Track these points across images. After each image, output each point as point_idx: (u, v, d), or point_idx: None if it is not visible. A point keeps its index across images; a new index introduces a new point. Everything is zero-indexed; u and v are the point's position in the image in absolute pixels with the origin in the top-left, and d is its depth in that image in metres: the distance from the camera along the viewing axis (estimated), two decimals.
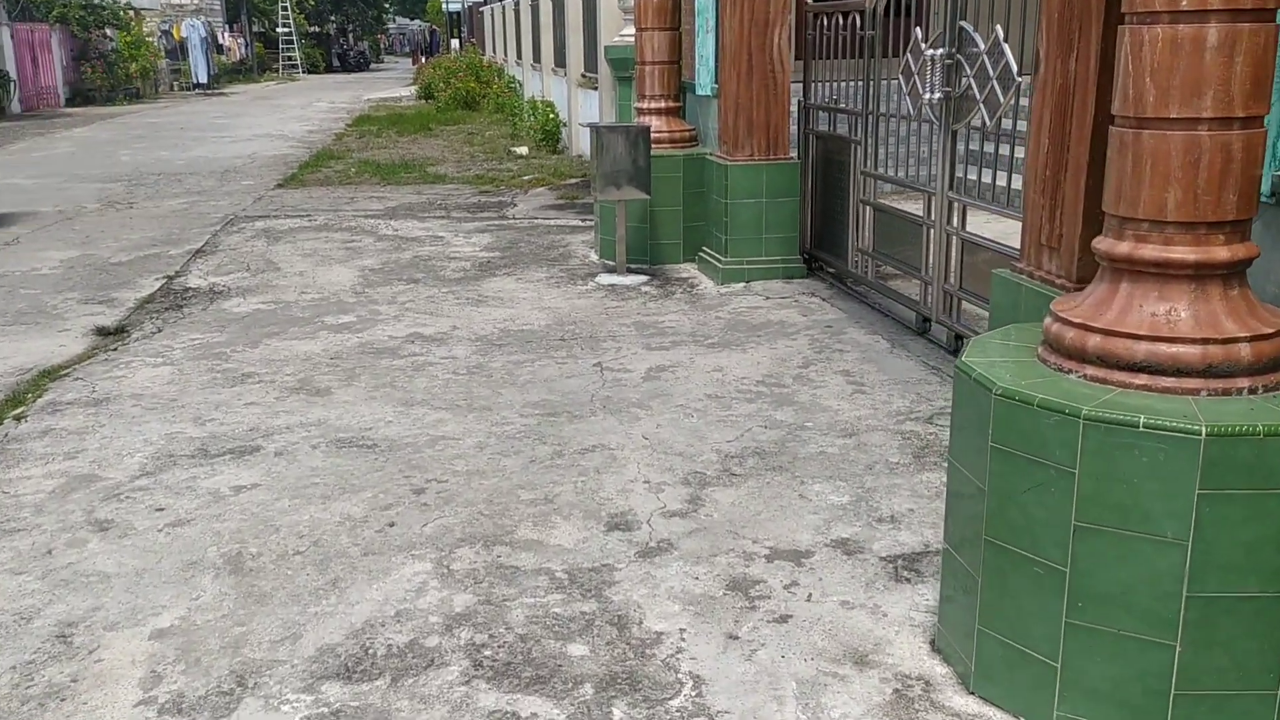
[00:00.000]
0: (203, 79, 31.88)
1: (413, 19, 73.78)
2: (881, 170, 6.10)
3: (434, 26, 57.16)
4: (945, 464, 4.00)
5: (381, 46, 71.05)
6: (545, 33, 15.78)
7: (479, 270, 7.52)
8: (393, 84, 36.22)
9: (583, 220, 9.35)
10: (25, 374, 5.34)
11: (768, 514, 3.72)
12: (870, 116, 6.16)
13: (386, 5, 72.48)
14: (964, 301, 5.27)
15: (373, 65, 57.66)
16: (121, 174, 13.03)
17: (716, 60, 7.24)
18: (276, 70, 43.83)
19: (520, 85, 19.73)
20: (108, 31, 28.08)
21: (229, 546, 3.50)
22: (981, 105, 4.91)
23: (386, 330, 6.01)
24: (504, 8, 22.62)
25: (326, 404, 4.82)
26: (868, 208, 6.26)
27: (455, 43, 38.02)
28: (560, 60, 14.68)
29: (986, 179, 5.07)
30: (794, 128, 7.04)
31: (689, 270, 7.38)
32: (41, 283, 7.30)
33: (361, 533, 3.59)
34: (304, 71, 44.85)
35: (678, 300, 6.60)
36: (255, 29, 46.05)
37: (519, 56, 19.99)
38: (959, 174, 5.31)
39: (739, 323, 6.03)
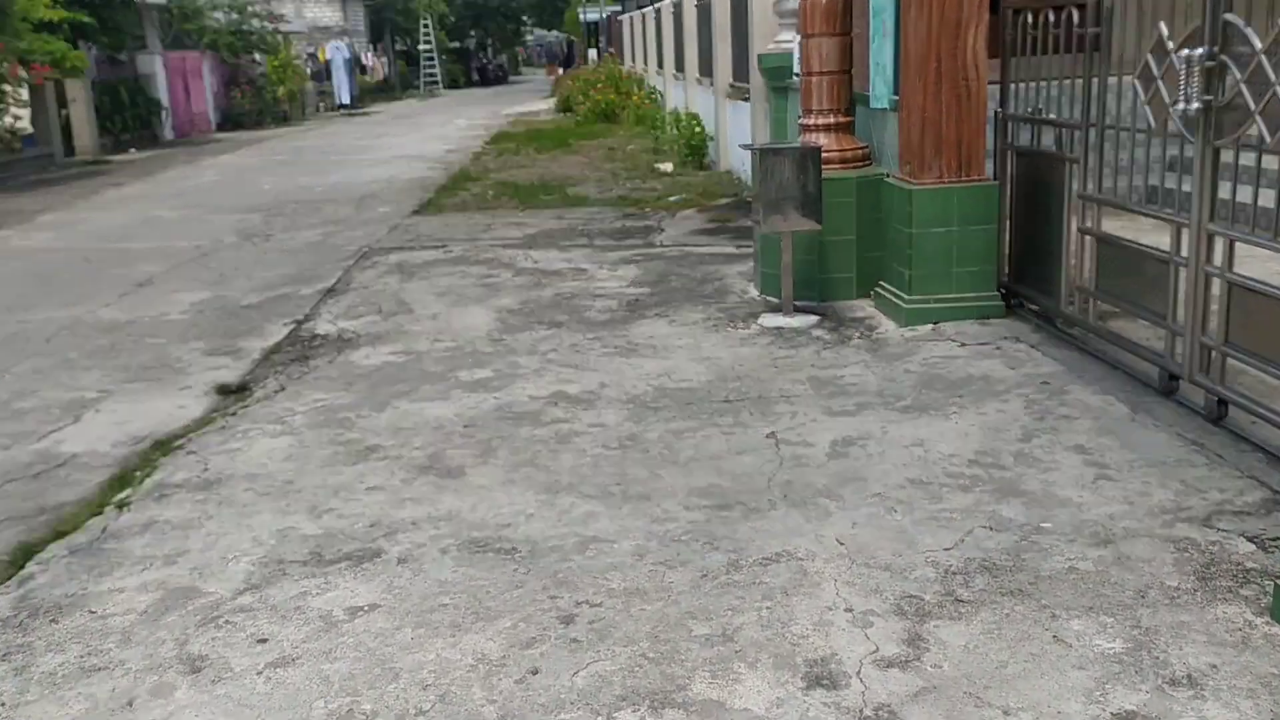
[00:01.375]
0: (346, 100, 32.38)
1: (550, 30, 74.40)
2: (1108, 194, 5.09)
3: (571, 37, 57.30)
4: (1242, 592, 3.04)
5: (520, 59, 71.81)
6: (689, 40, 15.05)
7: (627, 310, 6.79)
8: (531, 97, 36.17)
9: (737, 248, 8.54)
10: (139, 444, 4.85)
11: (1015, 666, 2.84)
12: (1092, 129, 5.16)
13: (524, 18, 73.30)
14: (1229, 359, 4.25)
15: (511, 78, 58.19)
16: (261, 203, 12.87)
17: (896, 68, 6.34)
18: (418, 88, 44.49)
19: (662, 96, 19.07)
20: (256, 57, 28.72)
21: (338, 701, 2.83)
22: (1259, 119, 3.90)
23: (527, 388, 5.33)
24: (643, 15, 22.03)
25: (459, 489, 4.14)
26: (1089, 238, 5.25)
27: (593, 53, 37.77)
28: (706, 69, 13.92)
29: (1262, 205, 4.05)
30: (988, 142, 6.07)
31: (865, 308, 6.49)
32: (169, 330, 6.92)
33: (499, 683, 2.87)
34: (444, 87, 45.42)
35: (856, 348, 5.72)
36: (398, 47, 46.90)
37: (660, 66, 19.33)
38: (1224, 199, 4.30)
39: (934, 378, 5.12)
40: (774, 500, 3.89)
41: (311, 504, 4.06)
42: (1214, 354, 4.31)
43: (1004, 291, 6.14)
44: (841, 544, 3.53)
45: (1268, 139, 3.86)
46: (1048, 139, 5.71)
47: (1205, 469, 3.91)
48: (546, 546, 3.62)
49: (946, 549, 3.45)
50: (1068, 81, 5.38)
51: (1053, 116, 5.57)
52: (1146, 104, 4.64)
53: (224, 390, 5.60)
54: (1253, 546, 3.31)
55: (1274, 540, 3.33)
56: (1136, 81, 4.70)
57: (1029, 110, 5.84)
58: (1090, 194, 5.22)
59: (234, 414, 5.19)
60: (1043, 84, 5.68)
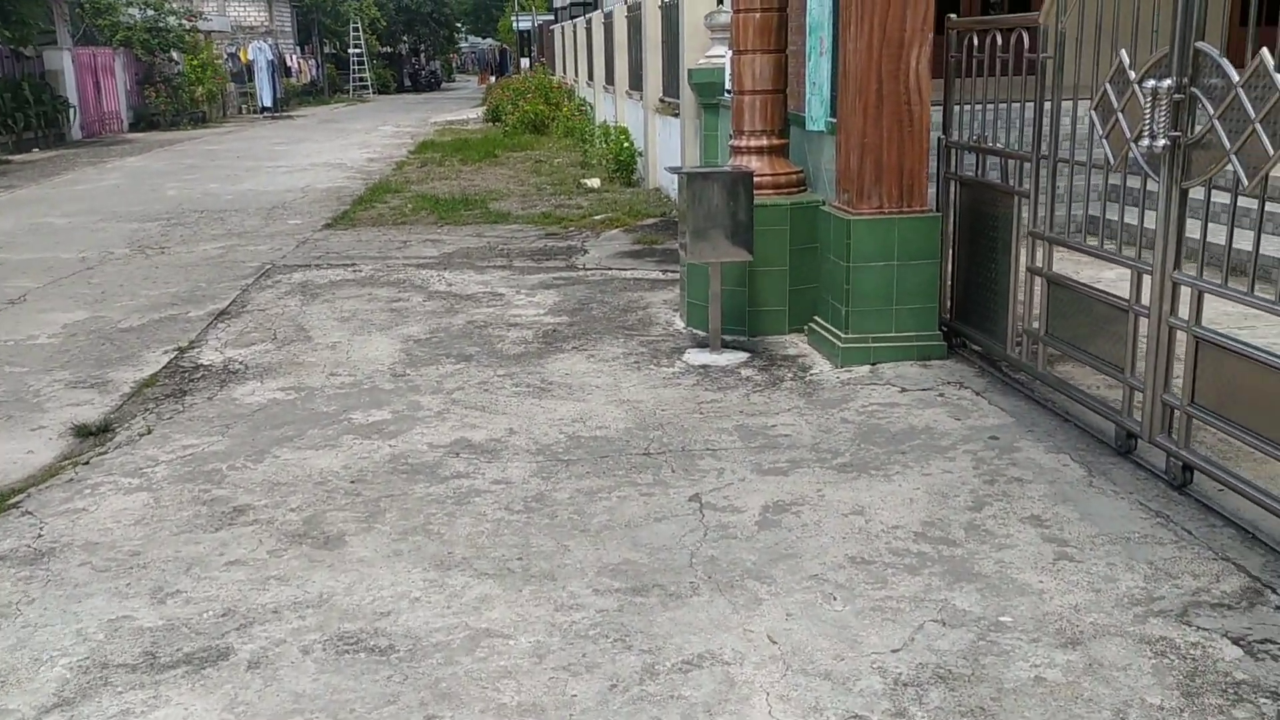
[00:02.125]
0: (268, 102, 31.32)
1: (485, 38, 73.54)
2: (1061, 232, 4.71)
3: (505, 45, 56.60)
4: (1235, 714, 2.62)
5: (454, 66, 70.86)
6: (619, 52, 14.59)
7: (543, 342, 6.27)
8: (462, 105, 35.46)
9: (664, 272, 8.07)
10: None
11: None
12: (1043, 162, 4.78)
13: (459, 25, 72.35)
14: (1195, 420, 3.87)
15: (444, 85, 57.26)
16: (163, 211, 12.09)
17: (834, 88, 5.92)
18: (347, 92, 43.43)
19: (592, 109, 18.58)
20: (173, 55, 27.61)
21: None
22: (1235, 158, 3.52)
23: (427, 434, 4.78)
24: (574, 25, 21.54)
25: (336, 564, 3.58)
26: (1039, 279, 4.87)
27: (525, 62, 37.17)
28: (636, 83, 13.46)
29: (1232, 254, 3.68)
30: (931, 169, 5.68)
31: (797, 345, 6.05)
32: (33, 357, 6.23)
33: None
34: (374, 92, 44.42)
35: (789, 391, 5.27)
36: (327, 50, 45.75)
37: (590, 78, 18.85)
38: (1196, 244, 3.93)
39: (873, 429, 4.69)
40: (696, 582, 3.40)
41: (157, 584, 3.46)
42: (1177, 414, 3.93)
43: (945, 330, 5.75)
44: (774, 642, 3.05)
45: (1244, 182, 3.49)
46: (995, 169, 5.33)
47: (1174, 547, 3.51)
48: (430, 644, 3.08)
49: (895, 650, 2.99)
50: (1017, 108, 5.01)
51: (1000, 146, 5.20)
52: (1105, 138, 4.26)
53: (82, 432, 4.95)
54: (1239, 651, 2.90)
55: (1263, 644, 2.92)
56: (1094, 113, 4.33)
57: (974, 138, 5.46)
58: (1041, 231, 4.84)
59: (87, 462, 4.55)
60: (989, 110, 5.30)
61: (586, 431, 4.78)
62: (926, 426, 4.69)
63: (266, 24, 38.03)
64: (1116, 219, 4.31)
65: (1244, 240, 3.71)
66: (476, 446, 4.63)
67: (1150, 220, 4.02)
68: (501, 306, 7.18)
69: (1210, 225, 3.83)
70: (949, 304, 5.81)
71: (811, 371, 5.57)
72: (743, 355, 5.86)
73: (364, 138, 22.38)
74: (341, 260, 8.94)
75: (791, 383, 5.40)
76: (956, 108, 5.59)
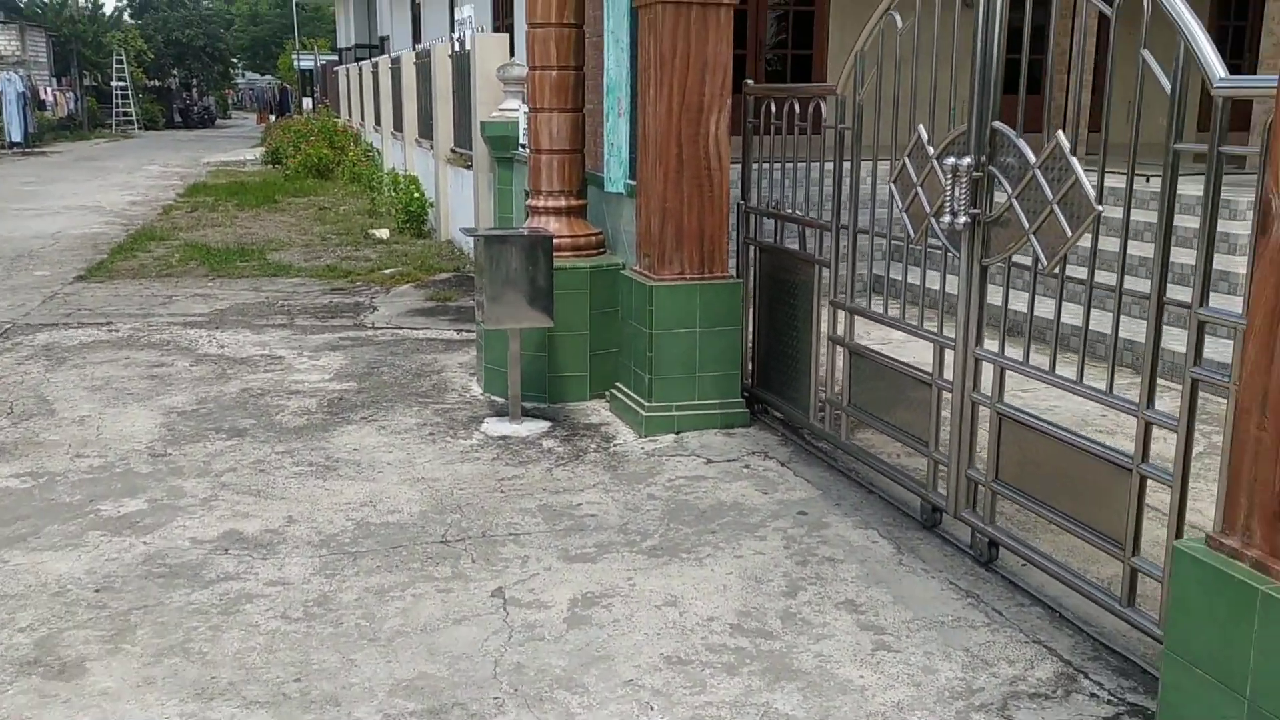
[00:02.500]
0: (18, 137, 28.84)
1: (264, 75, 70.87)
2: (862, 303, 4.70)
3: (286, 84, 54.65)
4: None
5: (230, 102, 67.84)
6: (408, 98, 14.16)
7: (328, 412, 5.80)
8: (238, 144, 33.79)
9: (459, 332, 7.71)
10: None
11: None
12: (843, 231, 4.79)
13: (235, 60, 69.43)
14: (1000, 498, 3.88)
15: (219, 122, 54.61)
16: None
17: (633, 150, 5.80)
18: (110, 127, 40.65)
19: (380, 154, 17.99)
20: None
21: None
22: (1034, 238, 3.57)
23: (190, 527, 4.25)
24: (360, 69, 20.90)
25: (73, 698, 3.05)
26: (841, 349, 4.85)
27: (308, 102, 35.88)
28: (426, 131, 13.07)
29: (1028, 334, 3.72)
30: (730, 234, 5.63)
31: (600, 412, 5.84)
32: None
33: None
34: (140, 128, 41.78)
35: (593, 464, 5.03)
36: (87, 83, 42.74)
37: (378, 122, 18.27)
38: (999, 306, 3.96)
39: (682, 506, 4.51)
40: (502, 698, 3.08)
41: None
42: (982, 489, 3.94)
43: (748, 396, 5.68)
44: None
45: (1043, 261, 3.53)
46: (795, 236, 5.32)
47: (987, 630, 3.47)
48: None
49: None
50: (817, 174, 5.01)
51: (798, 213, 5.19)
52: (905, 211, 4.28)
53: None
54: None
55: None
56: (893, 186, 4.35)
57: (773, 203, 5.44)
58: (841, 301, 4.83)
59: None
60: (788, 177, 5.30)
61: (377, 517, 4.38)
62: (735, 502, 4.55)
63: (18, 53, 35.22)
64: (922, 286, 4.33)
65: (1048, 306, 3.76)
66: (249, 540, 4.14)
67: (953, 288, 4.04)
68: (281, 371, 6.64)
69: (1021, 291, 3.88)
70: (751, 370, 5.75)
71: (616, 442, 5.35)
72: (544, 424, 5.60)
73: (126, 178, 20.85)
74: (95, 318, 8.10)
75: (596, 454, 5.17)
76: (755, 173, 5.57)
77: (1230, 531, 2.15)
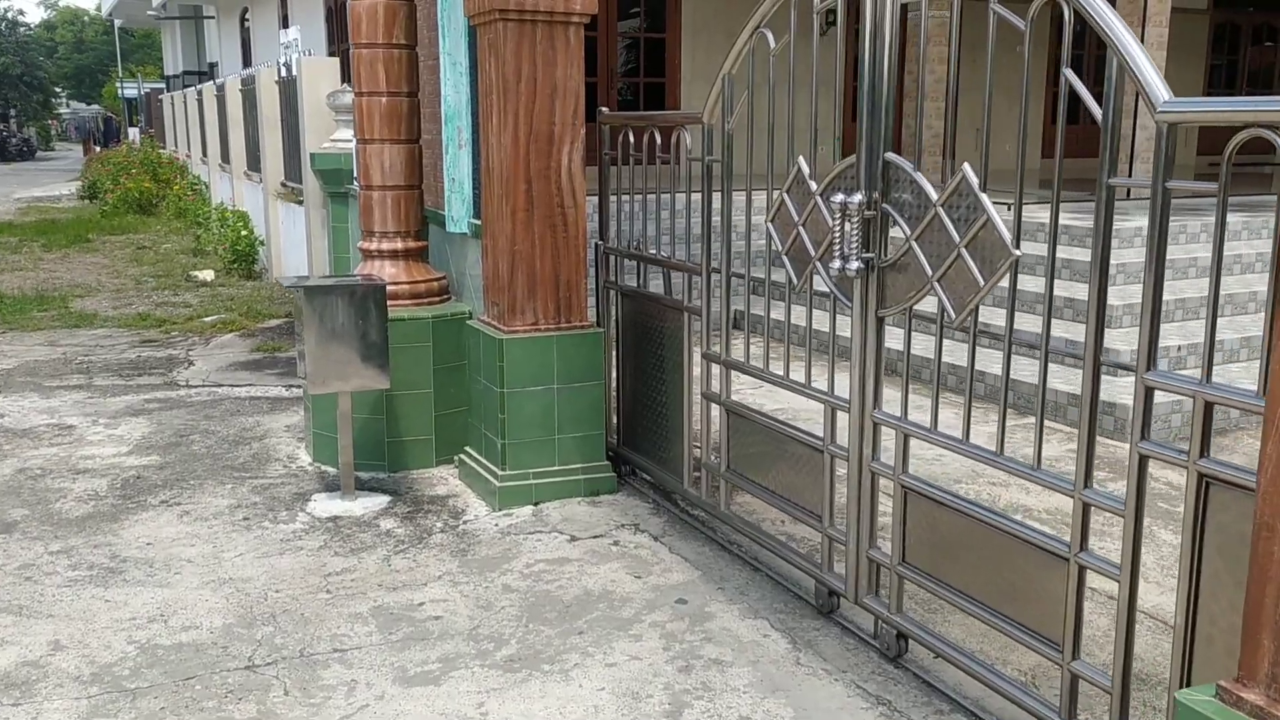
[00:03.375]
0: None
1: (90, 104, 67.07)
2: (739, 354, 4.17)
3: (110, 113, 51.72)
4: None
5: (53, 133, 63.90)
6: (234, 128, 13.12)
7: (121, 496, 4.93)
8: (58, 178, 31.51)
9: (288, 388, 6.88)
10: None
11: None
12: (716, 276, 4.26)
13: (57, 89, 65.55)
14: (907, 581, 3.38)
15: (40, 154, 51.19)
16: None
17: (477, 186, 5.16)
18: None
19: (207, 188, 16.77)
20: None
21: None
22: (938, 286, 3.09)
23: None
24: (185, 96, 19.57)
25: None
26: (717, 408, 4.31)
27: (134, 133, 33.79)
28: (254, 163, 12.09)
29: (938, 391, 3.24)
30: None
31: (448, 481, 5.14)
32: None
33: None
34: None
35: (439, 549, 4.34)
36: None
37: (204, 153, 17.05)
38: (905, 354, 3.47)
39: (543, 599, 3.86)
40: None
41: None
42: (886, 573, 3.44)
43: (614, 456, 5.09)
44: None
45: (951, 313, 3.06)
46: (660, 278, 4.77)
47: None
48: None
49: None
50: (683, 212, 4.48)
51: (663, 254, 4.65)
52: (785, 254, 3.78)
53: None
54: None
55: None
56: (771, 225, 3.84)
57: (635, 244, 4.89)
58: (716, 354, 4.29)
59: None
60: (651, 214, 4.76)
61: (168, 636, 3.59)
62: (604, 590, 3.94)
63: None
64: (808, 338, 3.82)
65: (960, 353, 3.31)
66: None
67: (846, 334, 3.55)
68: (70, 445, 5.70)
69: (927, 335, 3.40)
70: (616, 428, 5.17)
71: (466, 518, 4.68)
72: (382, 499, 4.87)
73: None
74: None
75: (443, 535, 4.48)
76: (614, 210, 5.01)
77: (1250, 681, 1.66)
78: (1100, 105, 2.54)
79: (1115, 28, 2.49)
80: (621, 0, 13.11)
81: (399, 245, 5.34)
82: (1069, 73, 2.63)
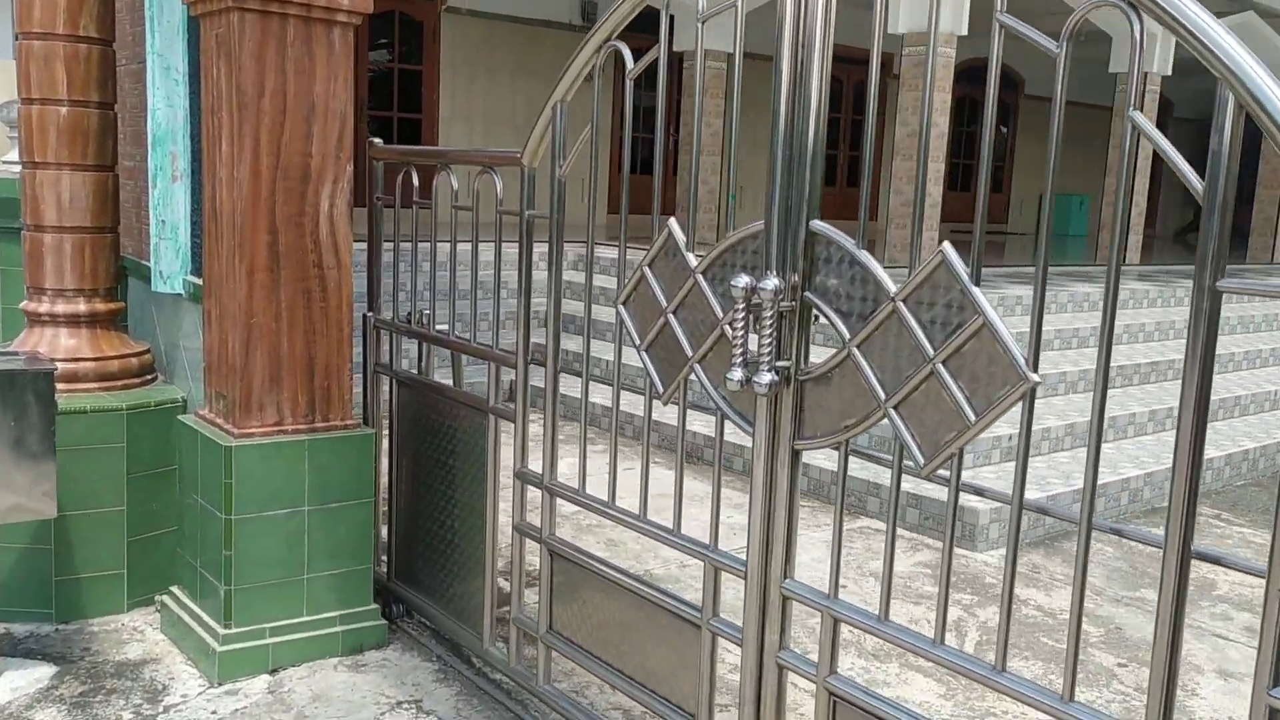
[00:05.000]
0: None
1: None
2: (574, 485, 3.08)
3: None
4: None
5: None
6: None
7: None
8: None
9: None
10: None
11: None
12: (538, 369, 3.17)
13: None
14: None
15: None
16: None
17: (197, 233, 3.84)
18: None
19: None
20: None
21: None
22: (895, 416, 2.16)
23: None
24: None
25: None
26: (546, 552, 3.18)
27: None
28: None
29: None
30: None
31: (144, 635, 3.73)
32: None
33: None
34: None
35: None
36: None
37: None
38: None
39: None
40: None
41: None
42: None
43: (383, 591, 3.87)
44: None
45: (918, 459, 2.12)
46: (452, 366, 3.63)
47: None
48: None
49: None
50: (487, 278, 3.37)
51: (461, 335, 3.52)
52: (644, 350, 2.75)
53: None
54: None
55: None
56: (624, 310, 2.81)
57: (417, 317, 3.73)
58: (534, 476, 3.19)
59: None
60: (442, 280, 3.63)
61: None
62: None
63: None
64: (679, 468, 2.80)
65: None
66: None
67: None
68: None
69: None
70: (388, 557, 3.95)
71: (167, 699, 3.31)
72: (43, 672, 3.42)
73: None
74: None
75: None
76: (391, 271, 3.84)
77: None
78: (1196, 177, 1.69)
79: (1224, 45, 1.65)
80: (371, 27, 11.85)
81: (82, 308, 3.90)
82: (1136, 115, 1.77)
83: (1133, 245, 10.58)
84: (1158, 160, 1.80)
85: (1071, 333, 7.29)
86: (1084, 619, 2.02)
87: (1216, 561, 1.89)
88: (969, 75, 11.04)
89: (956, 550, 4.62)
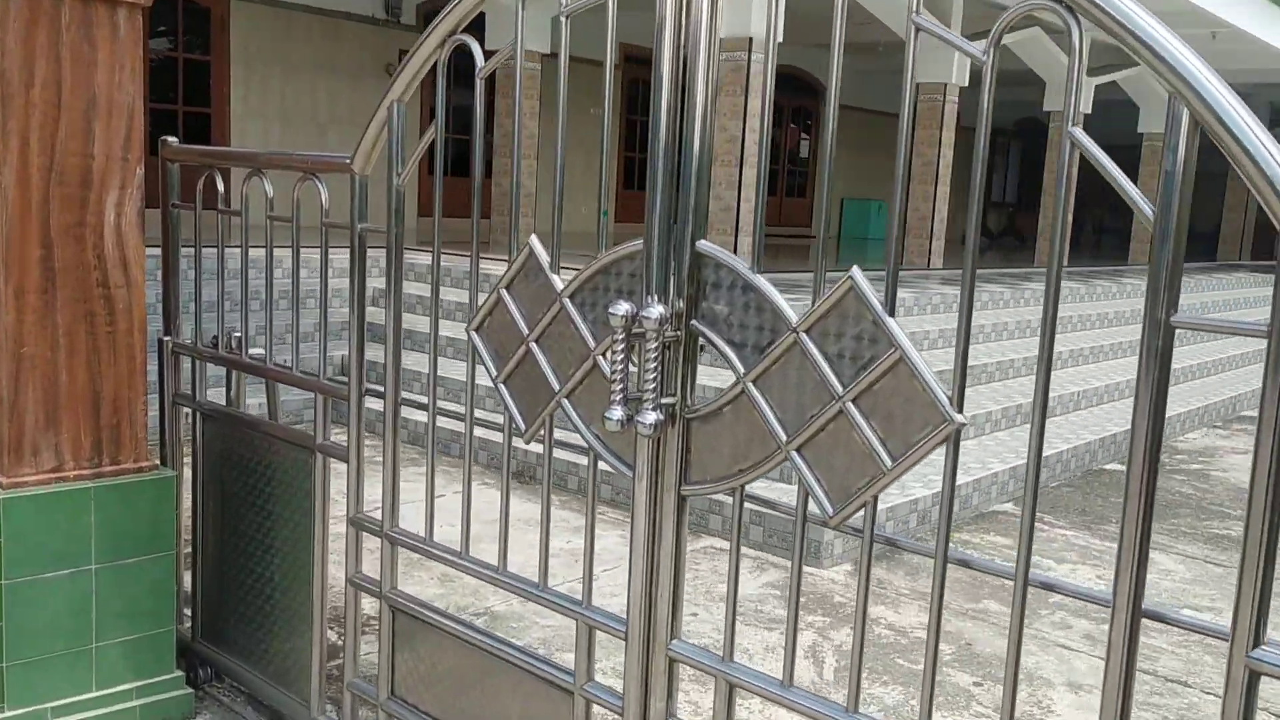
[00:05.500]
0: None
1: None
2: (421, 536, 2.73)
3: None
4: None
5: None
6: None
7: None
8: None
9: None
10: None
11: None
12: (375, 399, 2.81)
13: None
14: None
15: None
16: None
17: None
18: None
19: None
20: None
21: None
22: (800, 460, 1.95)
23: None
24: None
25: None
26: (388, 608, 2.81)
27: None
28: None
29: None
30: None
31: None
32: None
33: None
34: None
35: None
36: None
37: None
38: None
39: None
40: None
41: None
42: None
43: (187, 653, 3.39)
44: None
45: (827, 508, 1.92)
46: (266, 395, 3.21)
47: None
48: None
49: None
50: (314, 295, 2.98)
51: (280, 363, 3.10)
52: (501, 383, 2.45)
53: None
54: None
55: None
56: (477, 336, 2.49)
57: (226, 341, 3.28)
58: (372, 523, 2.83)
59: None
60: (255, 298, 3.20)
61: None
62: None
63: None
64: (545, 508, 2.50)
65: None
66: None
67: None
68: None
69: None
70: (194, 615, 3.47)
71: None
72: None
73: None
74: None
75: None
76: (191, 288, 3.37)
77: None
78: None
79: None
80: (150, 13, 10.91)
81: None
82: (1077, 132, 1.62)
83: (936, 250, 10.94)
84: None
85: (923, 334, 7.33)
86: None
87: (1075, 595, 1.81)
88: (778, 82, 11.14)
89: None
